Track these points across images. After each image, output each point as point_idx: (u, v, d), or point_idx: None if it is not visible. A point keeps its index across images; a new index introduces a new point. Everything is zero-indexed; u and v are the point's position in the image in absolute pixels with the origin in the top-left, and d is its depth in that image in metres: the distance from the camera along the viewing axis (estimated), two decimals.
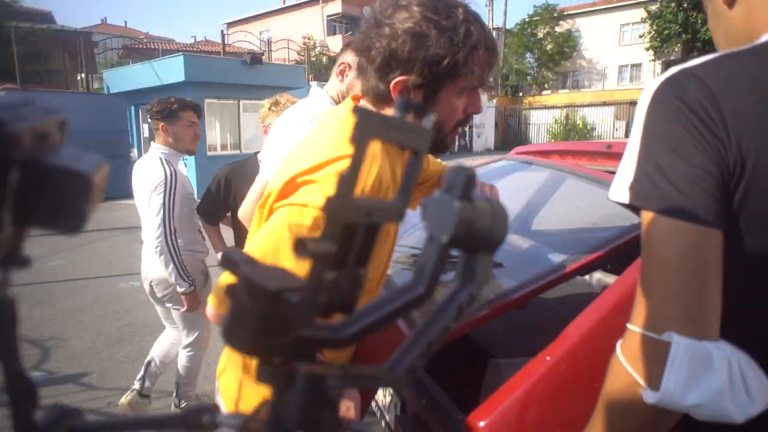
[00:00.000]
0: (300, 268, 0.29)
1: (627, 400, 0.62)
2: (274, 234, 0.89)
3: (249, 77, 13.01)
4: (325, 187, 0.90)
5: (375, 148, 0.97)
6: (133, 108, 13.60)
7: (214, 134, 13.14)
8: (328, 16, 32.93)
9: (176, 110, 2.45)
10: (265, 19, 36.16)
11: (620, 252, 1.31)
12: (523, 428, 1.02)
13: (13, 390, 0.25)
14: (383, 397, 1.56)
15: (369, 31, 1.00)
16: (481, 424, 1.02)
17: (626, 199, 0.66)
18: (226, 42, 16.32)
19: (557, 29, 35.51)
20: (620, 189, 0.67)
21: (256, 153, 2.53)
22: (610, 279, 1.99)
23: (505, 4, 41.99)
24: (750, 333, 0.63)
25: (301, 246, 0.27)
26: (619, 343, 0.65)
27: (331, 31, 33.10)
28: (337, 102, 1.75)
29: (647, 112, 0.66)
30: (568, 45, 35.69)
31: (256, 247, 0.91)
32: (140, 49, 22.28)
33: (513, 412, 1.01)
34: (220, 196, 2.47)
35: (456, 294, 0.33)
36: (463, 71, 0.97)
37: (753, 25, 0.73)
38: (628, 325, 0.64)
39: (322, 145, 0.98)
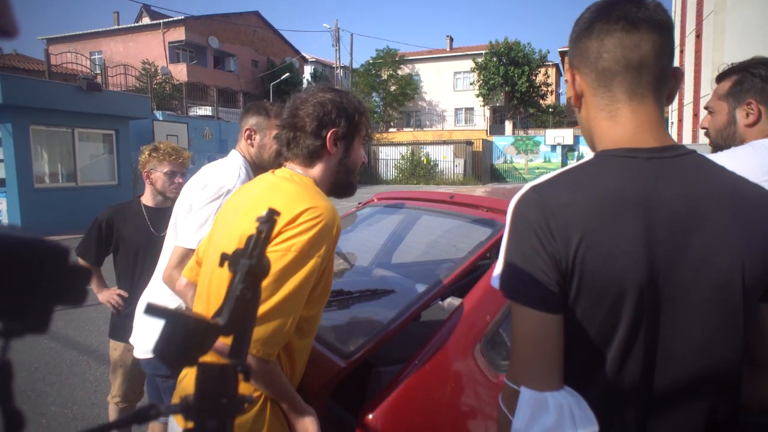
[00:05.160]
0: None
1: (505, 427, 0.85)
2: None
3: (85, 104, 12.01)
4: (306, 234, 1.16)
5: (328, 200, 1.30)
6: None
7: (42, 164, 11.83)
8: (171, 42, 31.52)
9: None
10: (96, 39, 33.19)
11: (465, 274, 1.72)
12: (402, 414, 1.34)
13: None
14: None
15: (293, 112, 1.36)
16: (370, 416, 1.31)
17: (498, 288, 0.88)
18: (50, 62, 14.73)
19: (399, 72, 38.39)
20: (495, 278, 0.90)
21: (138, 196, 2.58)
22: (457, 302, 2.43)
23: (351, 45, 44.57)
24: (602, 377, 0.85)
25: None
26: (501, 393, 0.89)
27: (174, 58, 31.71)
28: (251, 162, 1.99)
29: (510, 222, 0.88)
30: (409, 87, 38.73)
31: None
32: None
33: (393, 404, 1.32)
34: (102, 239, 2.48)
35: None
36: (363, 125, 1.41)
37: (592, 128, 0.94)
38: (504, 378, 0.88)
39: (286, 202, 1.22)
